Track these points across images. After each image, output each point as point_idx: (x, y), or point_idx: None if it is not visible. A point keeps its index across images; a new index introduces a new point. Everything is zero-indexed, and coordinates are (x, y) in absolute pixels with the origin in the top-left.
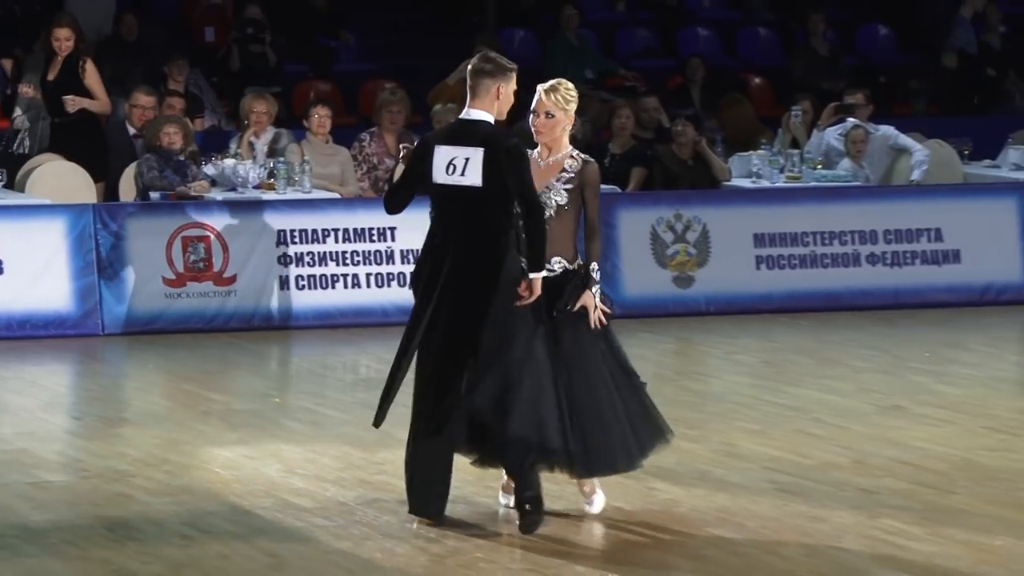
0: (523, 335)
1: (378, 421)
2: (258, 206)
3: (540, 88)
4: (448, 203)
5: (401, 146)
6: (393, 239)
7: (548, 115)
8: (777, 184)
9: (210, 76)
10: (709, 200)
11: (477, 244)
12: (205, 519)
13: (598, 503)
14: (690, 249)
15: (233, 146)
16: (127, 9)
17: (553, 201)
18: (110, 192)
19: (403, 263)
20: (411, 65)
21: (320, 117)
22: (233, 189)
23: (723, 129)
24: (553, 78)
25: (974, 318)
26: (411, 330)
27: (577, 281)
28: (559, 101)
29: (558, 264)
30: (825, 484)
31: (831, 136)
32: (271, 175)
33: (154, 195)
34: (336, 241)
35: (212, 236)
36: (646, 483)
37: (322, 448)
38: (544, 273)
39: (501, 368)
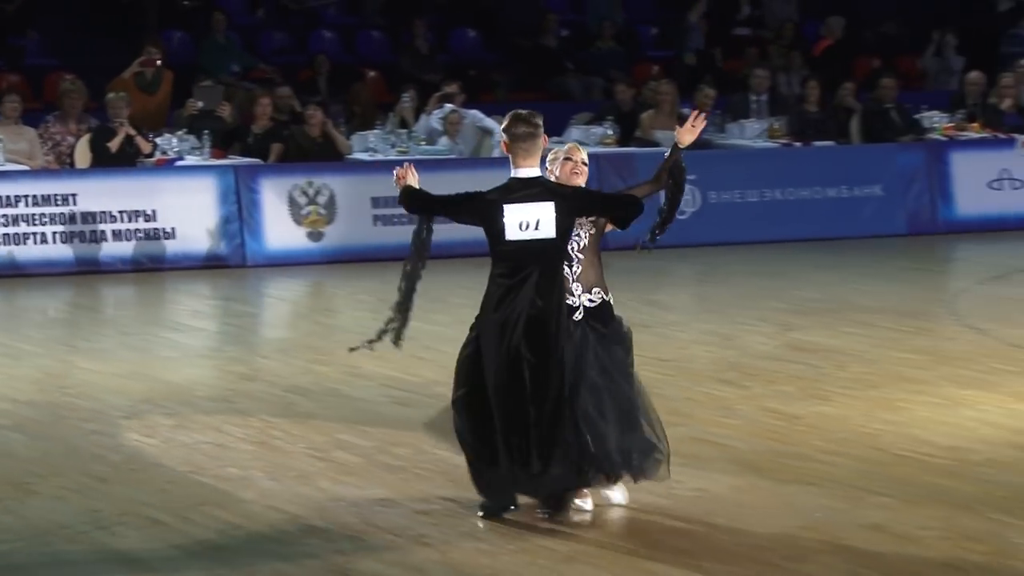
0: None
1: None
2: None
3: (572, 145)
4: (523, 255)
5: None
6: (75, 203)
7: (584, 163)
8: (390, 157)
9: None
10: (335, 170)
11: (550, 287)
12: None
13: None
14: (320, 210)
15: None
16: None
17: (581, 243)
18: None
19: (83, 223)
20: (88, 60)
21: (11, 104)
22: None
23: (346, 112)
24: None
25: None
26: (473, 359)
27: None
28: (585, 160)
29: (597, 295)
30: (431, 397)
31: (434, 119)
32: None
33: None
34: (26, 205)
35: None
36: (286, 399)
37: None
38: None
39: (574, 397)
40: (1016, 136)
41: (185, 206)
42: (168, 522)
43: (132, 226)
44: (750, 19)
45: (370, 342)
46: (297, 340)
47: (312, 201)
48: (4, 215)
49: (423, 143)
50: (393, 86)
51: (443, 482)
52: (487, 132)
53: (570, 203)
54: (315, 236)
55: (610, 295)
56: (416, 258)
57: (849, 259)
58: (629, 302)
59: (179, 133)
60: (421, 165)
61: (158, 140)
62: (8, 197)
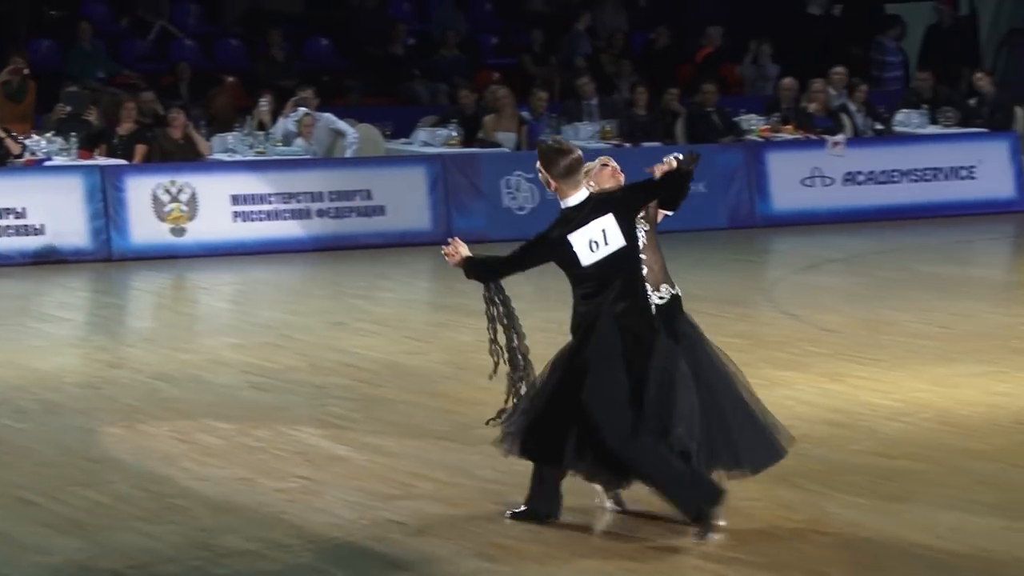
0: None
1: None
2: None
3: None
4: (603, 270)
5: None
6: None
7: (618, 170)
8: (248, 157)
9: None
10: (196, 170)
11: (638, 288)
12: None
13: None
14: (183, 207)
15: None
16: None
17: (640, 243)
18: None
19: None
20: None
21: None
22: None
23: (206, 116)
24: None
25: (395, 256)
26: (566, 379)
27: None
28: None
29: (666, 291)
30: (288, 382)
31: (289, 122)
32: None
33: None
34: None
35: None
36: (151, 385)
37: None
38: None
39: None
40: (826, 137)
41: (54, 204)
42: (39, 502)
43: (2, 223)
44: (585, 29)
45: (500, 412)
46: (161, 330)
47: (175, 199)
48: None
49: (279, 144)
50: (251, 91)
51: (300, 462)
52: (340, 134)
53: (625, 203)
54: (178, 232)
55: (676, 287)
56: (510, 328)
57: (675, 251)
58: (473, 292)
59: (48, 135)
60: (278, 165)
61: (27, 142)
62: None
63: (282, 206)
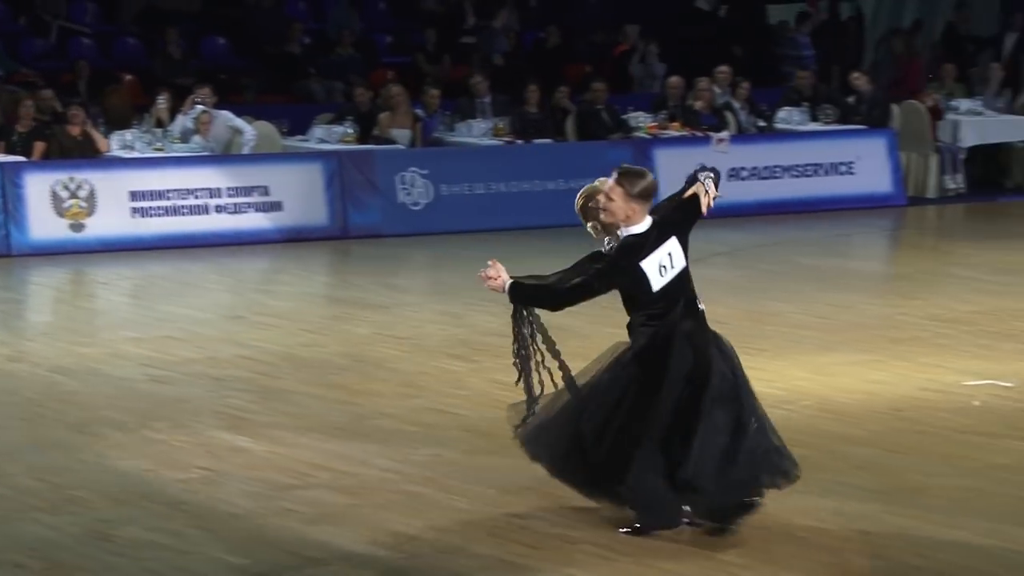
0: None
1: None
2: None
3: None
4: (671, 292)
5: None
6: None
7: (607, 195)
8: (147, 155)
9: None
10: (95, 166)
11: (696, 304)
12: None
13: None
14: (81, 203)
15: None
16: None
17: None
18: None
19: None
20: None
21: None
22: None
23: (104, 113)
24: None
25: (292, 251)
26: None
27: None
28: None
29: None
30: (187, 375)
31: (187, 119)
32: None
33: None
34: None
35: None
36: (50, 379)
37: None
38: None
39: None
40: (711, 134)
41: None
42: None
43: None
44: (475, 28)
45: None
46: (60, 324)
47: (73, 195)
48: None
49: (177, 141)
50: (148, 89)
51: (200, 453)
52: (237, 131)
53: (684, 225)
54: (76, 228)
55: (702, 303)
56: (552, 350)
57: (566, 245)
58: (369, 285)
59: None
60: (176, 161)
61: None
62: None
63: (180, 202)
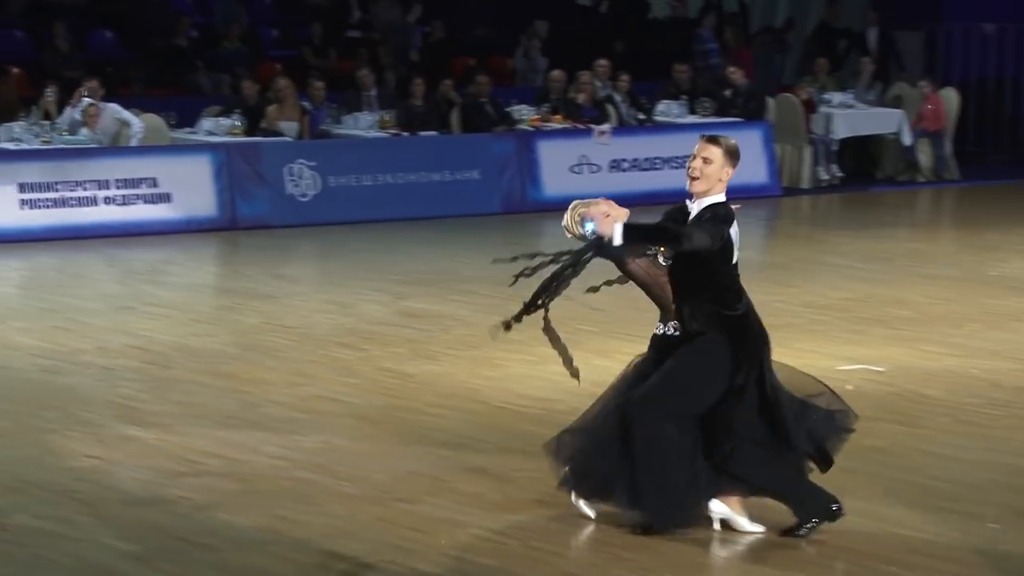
0: None
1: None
2: None
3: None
4: (737, 271)
5: None
6: None
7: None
8: (34, 146)
9: None
10: None
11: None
12: None
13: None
14: None
15: None
16: None
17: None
18: None
19: None
20: None
21: None
22: None
23: None
24: None
25: (181, 242)
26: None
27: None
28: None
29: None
30: (77, 364)
31: (76, 111)
32: None
33: None
34: None
35: None
36: None
37: None
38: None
39: None
40: (593, 126)
41: None
42: None
43: None
44: (361, 22)
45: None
46: None
47: None
48: None
49: (65, 133)
50: (36, 82)
51: (91, 441)
52: (125, 123)
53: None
54: None
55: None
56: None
57: (452, 235)
58: (258, 276)
59: None
60: (64, 154)
61: None
62: None
63: (69, 194)
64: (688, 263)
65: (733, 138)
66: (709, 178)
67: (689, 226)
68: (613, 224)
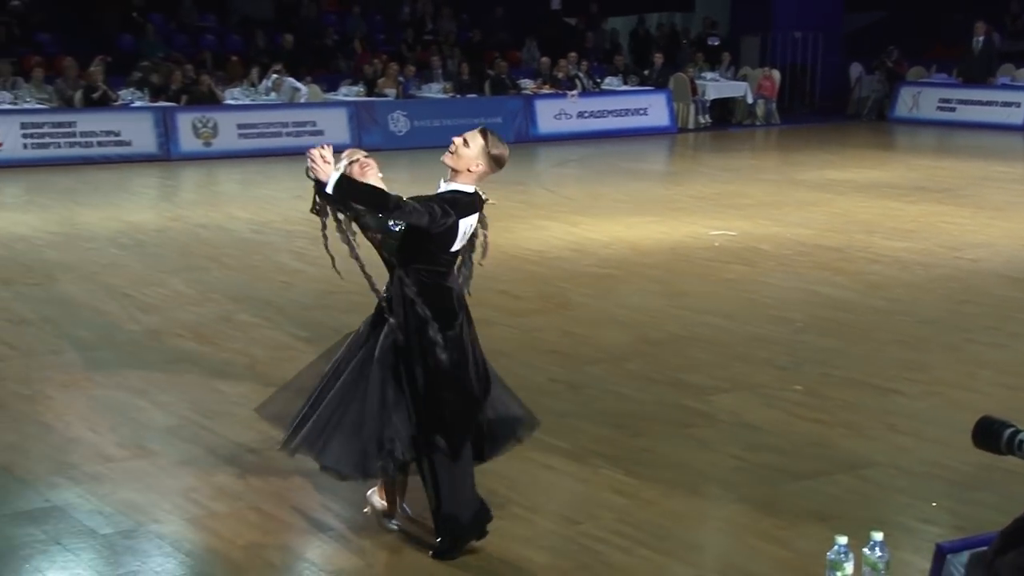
0: None
1: None
2: None
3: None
4: (457, 256)
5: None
6: None
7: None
8: (245, 102)
9: None
10: None
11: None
12: None
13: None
14: None
15: None
16: None
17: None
18: None
19: None
20: None
21: None
22: None
23: None
24: None
25: None
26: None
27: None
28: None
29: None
30: (269, 230)
31: (268, 82)
32: None
33: None
34: None
35: None
36: None
37: None
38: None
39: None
40: (567, 92)
41: None
42: None
43: None
44: (432, 30)
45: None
46: None
47: None
48: None
49: (262, 95)
50: (245, 64)
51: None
52: (296, 90)
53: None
54: None
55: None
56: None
57: None
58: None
59: None
60: (263, 107)
61: None
62: None
63: (265, 130)
64: (411, 234)
65: (501, 147)
66: (460, 159)
67: (416, 200)
68: (329, 173)
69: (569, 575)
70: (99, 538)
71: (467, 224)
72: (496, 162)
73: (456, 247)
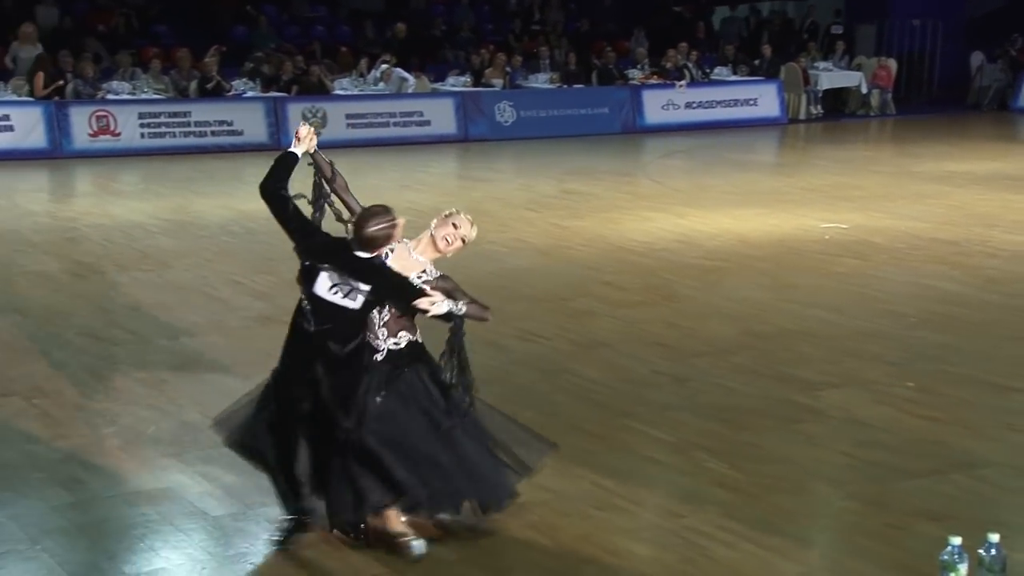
0: None
1: None
2: None
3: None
4: (319, 307)
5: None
6: None
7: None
8: (354, 92)
9: None
10: None
11: (339, 351)
12: None
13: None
14: None
15: None
16: None
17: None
18: None
19: None
20: None
21: None
22: None
23: None
24: None
25: (435, 149)
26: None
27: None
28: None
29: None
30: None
31: (377, 72)
32: None
33: None
34: None
35: None
36: None
37: None
38: None
39: None
40: (676, 82)
41: None
42: None
43: None
44: (539, 20)
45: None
46: None
47: None
48: None
49: (371, 85)
50: (355, 55)
51: None
52: (404, 80)
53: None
54: None
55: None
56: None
57: (592, 145)
58: (480, 168)
59: None
60: (371, 97)
61: None
62: None
63: (374, 120)
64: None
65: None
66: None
67: (404, 282)
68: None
69: (672, 568)
70: (210, 519)
71: (336, 280)
72: (376, 244)
73: (320, 292)
